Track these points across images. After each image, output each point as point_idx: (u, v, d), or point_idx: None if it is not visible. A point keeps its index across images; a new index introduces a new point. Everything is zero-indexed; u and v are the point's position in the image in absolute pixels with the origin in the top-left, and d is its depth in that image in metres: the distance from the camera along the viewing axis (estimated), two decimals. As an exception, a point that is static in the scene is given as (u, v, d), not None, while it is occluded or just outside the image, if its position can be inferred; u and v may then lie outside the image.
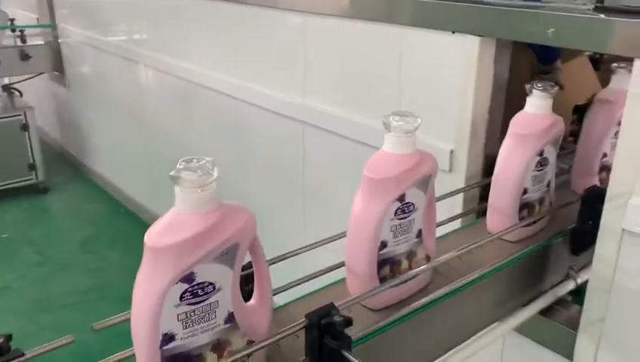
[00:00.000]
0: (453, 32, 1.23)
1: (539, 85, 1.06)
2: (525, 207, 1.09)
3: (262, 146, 2.23)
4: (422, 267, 0.91)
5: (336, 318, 0.71)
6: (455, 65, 1.27)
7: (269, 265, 0.85)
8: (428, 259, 0.93)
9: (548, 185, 1.13)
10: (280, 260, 0.86)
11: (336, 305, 0.75)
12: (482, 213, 1.20)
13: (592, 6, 1.04)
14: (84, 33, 3.64)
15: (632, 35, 0.93)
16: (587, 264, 1.11)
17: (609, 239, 1.01)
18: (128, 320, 0.65)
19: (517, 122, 1.07)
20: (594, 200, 1.06)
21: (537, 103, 1.07)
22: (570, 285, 1.17)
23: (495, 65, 1.27)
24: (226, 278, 0.66)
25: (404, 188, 0.85)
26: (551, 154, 1.09)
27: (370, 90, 1.58)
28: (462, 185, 1.28)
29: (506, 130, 1.10)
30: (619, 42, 0.95)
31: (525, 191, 1.08)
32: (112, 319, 0.71)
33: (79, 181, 4.25)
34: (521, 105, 1.10)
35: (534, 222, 1.12)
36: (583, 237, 1.11)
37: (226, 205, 0.65)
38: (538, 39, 1.06)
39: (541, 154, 1.07)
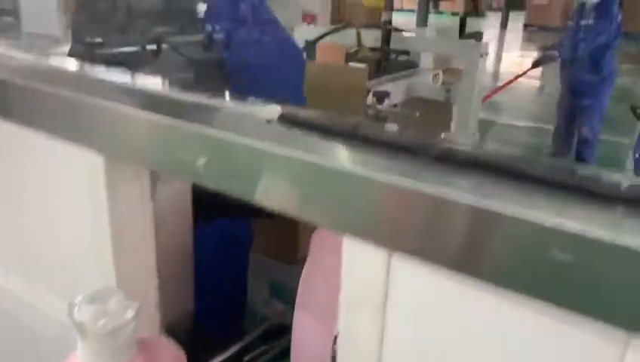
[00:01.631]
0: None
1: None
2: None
3: None
4: None
5: None
6: (86, 201, 0.72)
7: None
8: None
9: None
10: None
11: None
12: None
13: (277, 115, 0.59)
14: None
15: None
16: None
17: None
18: None
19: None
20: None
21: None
22: None
23: (161, 201, 0.73)
24: None
25: None
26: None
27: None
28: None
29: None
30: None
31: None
32: None
33: None
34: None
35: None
36: None
37: (146, 341, 0.53)
38: (184, 174, 0.60)
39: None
